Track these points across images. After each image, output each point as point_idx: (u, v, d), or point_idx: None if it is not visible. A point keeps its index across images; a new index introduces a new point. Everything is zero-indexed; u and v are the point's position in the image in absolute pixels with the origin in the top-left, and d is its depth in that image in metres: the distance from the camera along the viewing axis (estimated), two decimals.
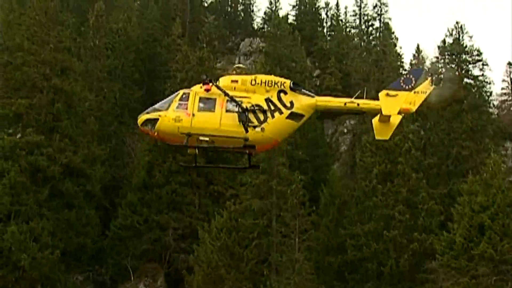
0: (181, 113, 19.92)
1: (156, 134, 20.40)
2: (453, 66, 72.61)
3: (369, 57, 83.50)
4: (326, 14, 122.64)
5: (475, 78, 73.59)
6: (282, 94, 20.23)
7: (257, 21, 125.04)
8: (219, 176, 63.88)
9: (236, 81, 20.38)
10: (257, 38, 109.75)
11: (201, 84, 20.34)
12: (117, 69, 75.51)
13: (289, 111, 20.08)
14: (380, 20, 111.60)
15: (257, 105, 19.95)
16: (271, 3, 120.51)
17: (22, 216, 51.76)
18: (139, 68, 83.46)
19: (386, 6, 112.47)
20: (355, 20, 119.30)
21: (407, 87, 20.50)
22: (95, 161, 60.76)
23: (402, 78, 20.86)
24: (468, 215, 47.33)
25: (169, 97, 20.82)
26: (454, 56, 72.92)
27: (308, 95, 20.74)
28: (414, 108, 20.60)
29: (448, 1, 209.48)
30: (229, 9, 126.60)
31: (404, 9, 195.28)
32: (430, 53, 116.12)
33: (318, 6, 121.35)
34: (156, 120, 20.21)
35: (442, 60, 75.10)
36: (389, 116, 20.47)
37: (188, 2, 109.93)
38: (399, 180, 56.37)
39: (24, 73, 57.70)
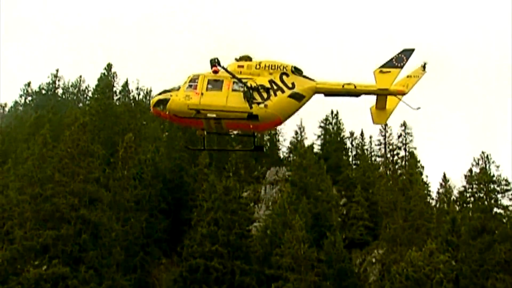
0: (191, 93, 21.88)
1: (167, 113, 22.18)
2: (481, 195, 72.05)
3: (395, 186, 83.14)
4: (351, 143, 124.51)
5: (505, 208, 72.62)
6: (284, 76, 22.03)
7: (283, 150, 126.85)
8: None
9: (242, 66, 22.34)
10: (283, 167, 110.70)
11: (210, 71, 21.92)
12: (144, 199, 76.03)
13: (290, 91, 21.82)
14: (405, 149, 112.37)
15: (261, 85, 21.67)
16: (296, 133, 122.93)
17: None
18: (166, 198, 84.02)
19: (411, 135, 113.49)
20: (380, 149, 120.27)
21: (399, 64, 22.07)
22: None
23: (395, 57, 22.06)
24: None
25: (180, 81, 22.54)
26: (482, 186, 72.52)
27: (309, 79, 22.34)
28: (407, 90, 21.95)
29: (473, 131, 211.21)
30: (255, 139, 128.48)
31: (429, 138, 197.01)
32: (457, 182, 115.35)
33: (343, 135, 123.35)
34: (167, 100, 22.07)
35: (470, 190, 74.73)
36: (385, 96, 21.86)
37: None
38: None
39: (53, 205, 58.66)
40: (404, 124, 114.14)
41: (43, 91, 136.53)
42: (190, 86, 22.14)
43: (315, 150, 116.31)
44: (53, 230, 57.13)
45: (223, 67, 21.53)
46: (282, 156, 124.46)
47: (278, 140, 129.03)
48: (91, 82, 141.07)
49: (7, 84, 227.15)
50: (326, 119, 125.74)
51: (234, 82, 21.87)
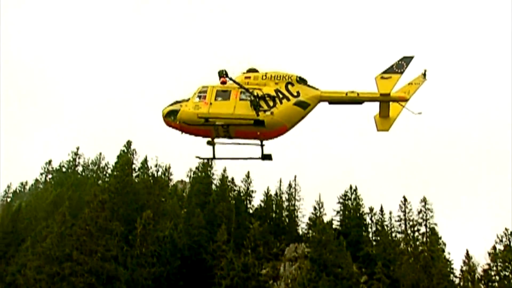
0: (200, 103, 23.03)
1: (178, 123, 23.25)
2: (506, 274, 70.46)
3: (417, 263, 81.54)
4: (371, 219, 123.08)
5: None
6: (289, 85, 23.19)
7: (302, 226, 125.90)
8: None
9: (249, 77, 23.55)
10: (302, 243, 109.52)
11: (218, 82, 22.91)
12: (162, 277, 75.23)
13: (295, 99, 22.92)
14: (426, 225, 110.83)
15: (267, 94, 22.81)
16: (315, 208, 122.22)
17: None
18: (184, 275, 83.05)
19: (431, 211, 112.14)
20: (400, 225, 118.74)
21: (399, 70, 23.05)
22: None
23: (395, 64, 23.00)
24: None
25: (190, 93, 23.58)
26: (507, 264, 71.02)
27: (314, 88, 23.42)
28: (408, 97, 23.06)
29: (495, 207, 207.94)
30: (274, 215, 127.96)
31: (450, 214, 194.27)
32: (481, 260, 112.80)
33: (363, 211, 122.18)
34: (177, 111, 23.21)
35: (494, 268, 73.15)
36: (387, 103, 22.84)
37: (233, 209, 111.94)
38: None
39: (71, 284, 58.14)
40: (424, 200, 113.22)
41: (63, 169, 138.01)
42: (199, 96, 23.33)
43: (334, 226, 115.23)
44: None
45: (230, 78, 22.53)
46: (301, 233, 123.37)
47: (297, 216, 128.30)
48: (110, 159, 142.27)
49: (28, 163, 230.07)
50: (345, 195, 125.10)
51: (241, 92, 23.07)
